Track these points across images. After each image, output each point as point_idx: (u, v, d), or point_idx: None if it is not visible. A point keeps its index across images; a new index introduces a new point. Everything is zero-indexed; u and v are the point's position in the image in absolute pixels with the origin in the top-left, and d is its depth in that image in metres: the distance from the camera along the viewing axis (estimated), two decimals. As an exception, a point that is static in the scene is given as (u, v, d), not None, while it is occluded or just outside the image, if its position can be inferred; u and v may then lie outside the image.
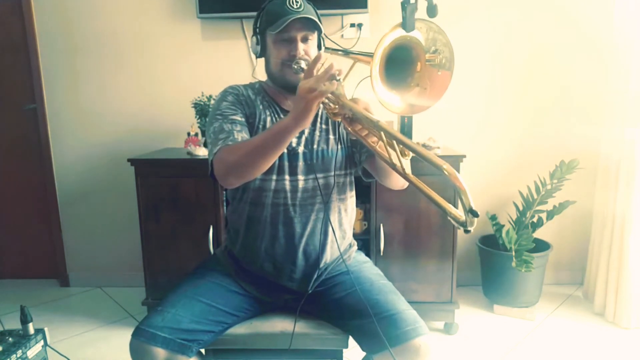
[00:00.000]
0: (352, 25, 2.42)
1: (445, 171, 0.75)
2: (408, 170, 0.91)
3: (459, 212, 0.74)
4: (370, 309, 1.14)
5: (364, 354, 1.22)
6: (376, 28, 2.43)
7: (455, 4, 2.38)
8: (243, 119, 1.24)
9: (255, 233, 1.27)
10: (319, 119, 1.30)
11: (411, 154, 0.92)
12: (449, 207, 0.77)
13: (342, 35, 2.44)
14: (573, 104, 2.45)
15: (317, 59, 1.00)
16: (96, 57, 2.53)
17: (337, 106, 1.06)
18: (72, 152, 2.64)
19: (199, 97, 2.29)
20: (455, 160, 2.01)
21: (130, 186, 2.17)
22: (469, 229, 0.73)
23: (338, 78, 0.97)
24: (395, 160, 0.92)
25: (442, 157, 2.02)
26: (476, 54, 2.43)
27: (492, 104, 2.48)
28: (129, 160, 2.12)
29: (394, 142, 0.90)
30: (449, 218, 0.76)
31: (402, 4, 0.84)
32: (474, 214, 0.71)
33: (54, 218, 2.72)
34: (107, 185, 2.65)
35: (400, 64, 0.96)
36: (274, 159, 1.10)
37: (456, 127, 2.49)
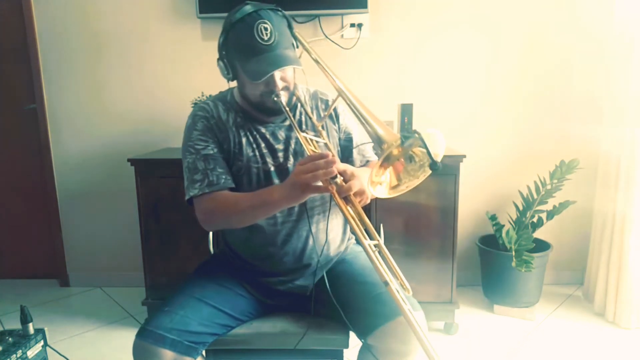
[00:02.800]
0: (352, 25, 2.42)
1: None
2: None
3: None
4: (359, 291, 1.15)
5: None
6: (376, 28, 2.43)
7: (456, 5, 2.38)
8: (216, 150, 1.20)
9: (252, 254, 1.28)
10: (303, 126, 1.27)
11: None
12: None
13: (342, 35, 2.44)
14: (573, 104, 2.45)
15: (328, 161, 0.97)
16: (96, 57, 2.53)
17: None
18: (72, 152, 2.64)
19: (199, 97, 2.29)
20: (456, 161, 2.01)
21: (130, 186, 2.17)
22: None
23: (335, 177, 0.99)
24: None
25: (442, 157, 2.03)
26: (476, 55, 2.43)
27: (492, 104, 2.48)
28: (129, 160, 2.12)
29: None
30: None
31: (403, 137, 0.86)
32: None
33: (54, 218, 2.72)
34: (107, 185, 2.65)
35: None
36: (261, 219, 1.17)
37: (456, 127, 2.49)
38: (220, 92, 1.32)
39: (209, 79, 2.50)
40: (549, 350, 1.99)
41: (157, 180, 2.12)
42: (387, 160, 0.92)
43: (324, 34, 2.40)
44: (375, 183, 0.92)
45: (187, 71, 2.52)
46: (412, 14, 2.40)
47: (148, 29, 2.49)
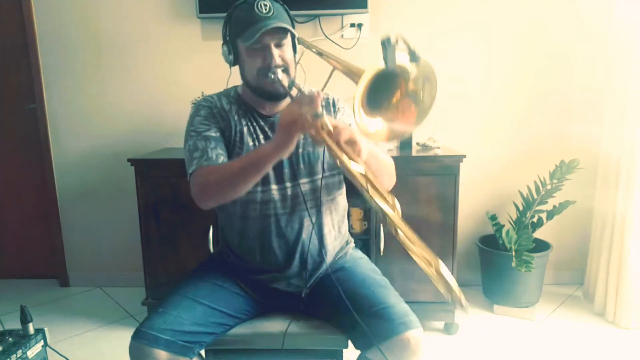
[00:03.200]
0: (352, 25, 2.42)
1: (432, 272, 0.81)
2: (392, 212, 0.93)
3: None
4: (360, 304, 1.14)
5: (364, 354, 1.22)
6: (376, 28, 2.42)
7: (456, 6, 2.38)
8: (217, 134, 1.22)
9: (247, 247, 1.27)
10: None
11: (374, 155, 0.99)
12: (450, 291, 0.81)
13: (342, 35, 2.44)
14: (573, 104, 2.45)
15: (313, 105, 0.96)
16: (96, 57, 2.53)
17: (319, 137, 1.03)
18: (72, 152, 2.64)
19: (199, 97, 2.29)
20: (456, 161, 2.01)
21: (130, 186, 2.17)
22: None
23: (320, 114, 0.96)
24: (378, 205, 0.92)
25: (442, 157, 2.03)
26: (476, 55, 2.43)
27: (492, 103, 2.48)
28: (129, 160, 2.12)
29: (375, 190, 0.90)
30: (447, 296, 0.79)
31: (382, 43, 0.85)
32: (463, 308, 0.75)
33: (54, 218, 2.72)
34: (107, 185, 2.65)
35: (381, 88, 0.94)
36: (253, 183, 1.10)
37: (456, 127, 2.49)
38: (224, 89, 1.34)
39: (209, 79, 2.49)
40: (549, 350, 1.99)
41: (157, 180, 2.12)
42: (376, 104, 0.90)
43: (324, 34, 2.40)
44: (364, 124, 0.91)
45: (187, 71, 2.52)
46: (412, 14, 2.40)
47: (148, 29, 2.49)
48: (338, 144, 0.97)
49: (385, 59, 0.85)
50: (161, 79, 2.54)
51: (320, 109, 0.95)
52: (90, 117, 2.60)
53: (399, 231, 0.83)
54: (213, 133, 1.21)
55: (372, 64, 0.86)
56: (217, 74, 2.51)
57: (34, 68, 2.56)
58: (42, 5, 2.50)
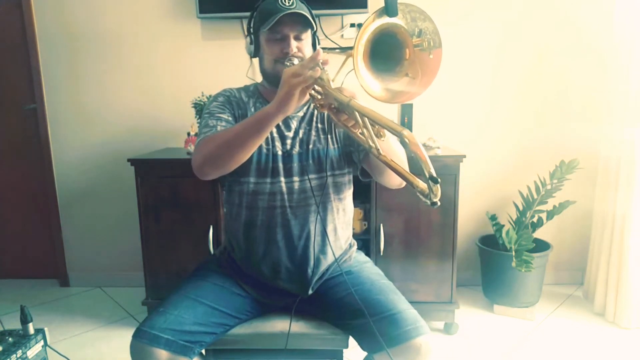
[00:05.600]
0: (352, 25, 2.42)
1: (405, 138, 0.75)
2: (383, 152, 0.91)
3: (426, 185, 0.74)
4: (371, 308, 1.14)
5: (364, 354, 1.22)
6: (376, 28, 2.42)
7: (457, 5, 2.38)
8: (230, 118, 1.24)
9: (253, 238, 1.27)
10: (314, 119, 1.29)
11: (386, 136, 0.98)
12: (417, 180, 0.77)
13: (342, 35, 2.44)
14: (573, 104, 2.45)
15: (313, 56, 0.98)
16: (96, 57, 2.53)
17: (322, 97, 1.04)
18: (72, 152, 2.65)
19: (199, 97, 2.29)
20: (455, 160, 2.01)
21: (130, 186, 2.17)
22: (434, 200, 0.73)
23: (322, 66, 0.98)
24: (371, 143, 0.91)
25: (442, 157, 2.03)
26: (477, 55, 2.43)
27: (493, 104, 2.48)
28: (129, 160, 2.12)
29: (367, 120, 0.90)
30: (417, 193, 0.76)
31: None
32: (434, 180, 0.71)
33: (54, 218, 2.72)
34: (107, 185, 2.65)
35: (387, 53, 0.96)
36: (251, 149, 1.08)
37: (456, 127, 2.49)
38: (244, 85, 1.37)
39: (209, 79, 2.50)
40: (549, 350, 1.99)
41: (157, 180, 2.12)
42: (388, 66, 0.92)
43: (324, 34, 2.40)
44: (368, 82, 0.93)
45: (187, 71, 2.52)
46: (412, 14, 2.40)
47: (148, 29, 2.49)
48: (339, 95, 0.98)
49: (387, 6, 0.86)
50: (161, 79, 2.54)
51: (320, 59, 0.97)
52: (90, 117, 2.60)
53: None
54: (226, 116, 1.24)
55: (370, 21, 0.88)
56: (217, 74, 2.53)
57: (34, 68, 2.56)
58: (42, 5, 2.50)
